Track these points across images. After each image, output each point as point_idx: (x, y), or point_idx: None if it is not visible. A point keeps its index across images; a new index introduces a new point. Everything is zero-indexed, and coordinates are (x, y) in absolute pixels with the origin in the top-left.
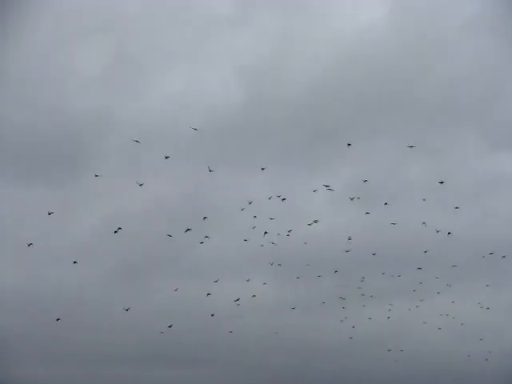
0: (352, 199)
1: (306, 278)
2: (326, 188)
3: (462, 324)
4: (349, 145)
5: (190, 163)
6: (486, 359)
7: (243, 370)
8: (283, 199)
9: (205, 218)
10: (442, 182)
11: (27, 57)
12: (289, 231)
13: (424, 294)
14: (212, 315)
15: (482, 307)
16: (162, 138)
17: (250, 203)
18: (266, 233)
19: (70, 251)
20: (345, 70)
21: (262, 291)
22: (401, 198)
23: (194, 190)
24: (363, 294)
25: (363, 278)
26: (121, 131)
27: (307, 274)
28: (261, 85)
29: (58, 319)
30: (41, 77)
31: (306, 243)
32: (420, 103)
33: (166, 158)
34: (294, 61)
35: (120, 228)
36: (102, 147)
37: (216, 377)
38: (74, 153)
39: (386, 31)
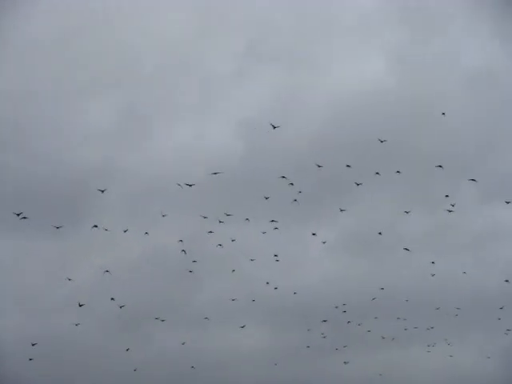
0: None
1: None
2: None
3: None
4: (358, 184)
5: (190, 215)
6: None
7: None
8: (276, 259)
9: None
10: None
11: (33, 103)
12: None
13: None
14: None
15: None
16: (163, 190)
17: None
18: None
19: (70, 301)
20: (345, 122)
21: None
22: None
23: (192, 241)
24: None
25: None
26: (123, 182)
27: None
28: (261, 137)
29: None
30: (45, 126)
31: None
32: (418, 154)
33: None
34: (294, 113)
35: (107, 271)
36: (104, 198)
37: None
38: (74, 202)
39: (386, 83)
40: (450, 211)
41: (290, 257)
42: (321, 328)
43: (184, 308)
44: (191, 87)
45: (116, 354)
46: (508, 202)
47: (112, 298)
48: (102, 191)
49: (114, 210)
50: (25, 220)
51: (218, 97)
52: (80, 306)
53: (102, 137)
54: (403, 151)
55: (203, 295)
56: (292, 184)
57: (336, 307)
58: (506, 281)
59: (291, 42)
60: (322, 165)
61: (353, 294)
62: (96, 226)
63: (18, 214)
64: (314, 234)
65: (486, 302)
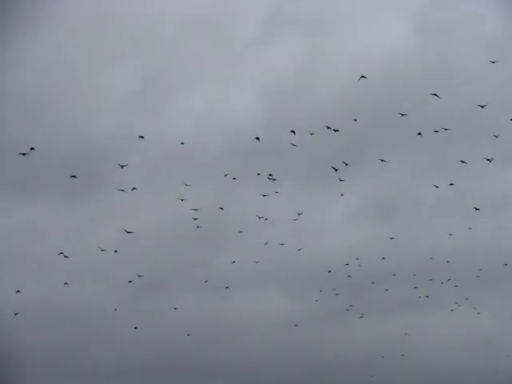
0: None
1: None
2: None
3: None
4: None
5: (212, 180)
6: None
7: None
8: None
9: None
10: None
11: (54, 71)
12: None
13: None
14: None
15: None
16: (185, 156)
17: (265, 219)
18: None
19: (89, 265)
20: (367, 89)
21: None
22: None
23: (215, 205)
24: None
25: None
26: (143, 149)
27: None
28: (284, 104)
29: None
30: (66, 92)
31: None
32: (438, 119)
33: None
34: (316, 78)
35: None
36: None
37: None
38: (96, 168)
39: (407, 46)
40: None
41: (310, 221)
42: (342, 291)
43: (204, 272)
44: (213, 53)
45: (136, 317)
46: None
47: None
48: (122, 166)
49: (135, 176)
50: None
51: (241, 62)
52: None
53: (123, 102)
54: (422, 117)
55: (223, 259)
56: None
57: (359, 265)
58: None
59: (313, 7)
60: (341, 129)
61: (373, 258)
62: (123, 190)
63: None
64: (342, 195)
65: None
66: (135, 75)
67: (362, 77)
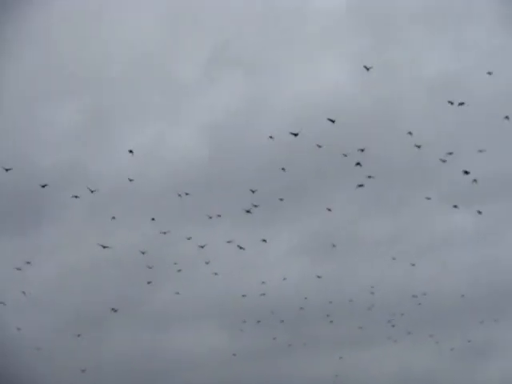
0: None
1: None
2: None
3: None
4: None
5: (153, 215)
6: None
7: None
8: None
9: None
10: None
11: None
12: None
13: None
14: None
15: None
16: (128, 191)
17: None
18: None
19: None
20: (307, 127)
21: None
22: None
23: (154, 241)
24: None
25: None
26: (86, 184)
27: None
28: (227, 142)
29: None
30: (10, 127)
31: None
32: (382, 161)
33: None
34: (257, 118)
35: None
36: (66, 200)
37: None
38: (39, 203)
39: (350, 91)
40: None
41: (251, 256)
42: (280, 329)
43: (141, 308)
44: (156, 91)
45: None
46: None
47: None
48: (76, 197)
49: (77, 210)
50: None
51: (183, 101)
52: None
53: (65, 139)
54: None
55: (162, 296)
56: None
57: (300, 308)
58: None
59: (256, 47)
60: (285, 169)
61: (314, 296)
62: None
63: None
64: (264, 241)
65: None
66: (81, 110)
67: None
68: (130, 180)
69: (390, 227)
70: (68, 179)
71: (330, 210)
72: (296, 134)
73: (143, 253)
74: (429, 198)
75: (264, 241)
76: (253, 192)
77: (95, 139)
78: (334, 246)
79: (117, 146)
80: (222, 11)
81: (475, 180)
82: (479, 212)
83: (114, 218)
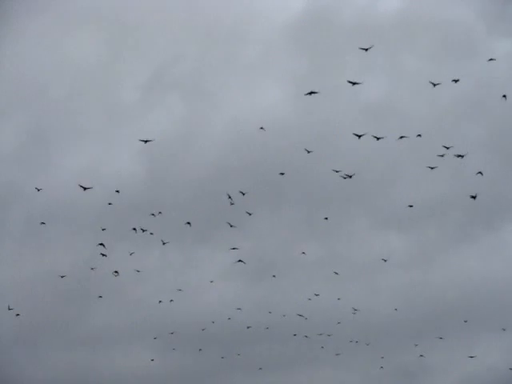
0: None
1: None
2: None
3: None
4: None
5: (90, 236)
6: None
7: None
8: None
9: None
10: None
11: None
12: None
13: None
14: None
15: None
16: (67, 212)
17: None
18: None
19: None
20: (243, 151)
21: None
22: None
23: (93, 263)
24: None
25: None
26: (24, 205)
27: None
28: (164, 164)
29: None
30: None
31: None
32: (319, 180)
33: None
34: (194, 142)
35: None
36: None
37: None
38: None
39: (286, 114)
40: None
41: (185, 277)
42: (214, 350)
43: (74, 328)
44: (96, 113)
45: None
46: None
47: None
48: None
49: (14, 230)
50: None
51: (122, 123)
52: None
53: (2, 159)
54: (299, 182)
55: (97, 316)
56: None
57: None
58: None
59: (194, 71)
60: (219, 192)
61: (248, 317)
62: None
63: None
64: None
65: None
66: (20, 131)
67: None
68: (71, 199)
69: (324, 249)
70: (5, 199)
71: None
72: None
73: (79, 273)
74: (366, 222)
75: (195, 263)
76: (189, 224)
77: (34, 160)
78: (269, 267)
79: (55, 167)
80: (161, 35)
81: (411, 205)
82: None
83: (50, 238)
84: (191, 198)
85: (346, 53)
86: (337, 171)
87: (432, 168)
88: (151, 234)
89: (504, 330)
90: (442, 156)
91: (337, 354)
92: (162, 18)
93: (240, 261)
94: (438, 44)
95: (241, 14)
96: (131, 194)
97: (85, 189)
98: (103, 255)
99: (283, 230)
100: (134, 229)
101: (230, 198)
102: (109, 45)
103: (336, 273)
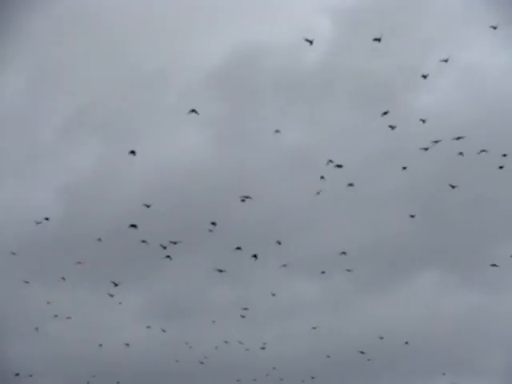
0: None
1: None
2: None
3: None
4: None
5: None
6: None
7: None
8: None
9: None
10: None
11: None
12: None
13: None
14: None
15: None
16: None
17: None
18: None
19: None
20: (161, 193)
21: None
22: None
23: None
24: None
25: None
26: None
27: None
28: (82, 204)
29: None
30: None
31: None
32: (234, 225)
33: None
34: (113, 183)
35: None
36: None
37: None
38: None
39: (203, 157)
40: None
41: (95, 318)
42: None
43: None
44: (14, 152)
45: None
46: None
47: None
48: None
49: None
50: None
51: (40, 163)
52: None
53: None
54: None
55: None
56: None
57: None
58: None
59: (117, 113)
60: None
61: (158, 360)
62: None
63: None
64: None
65: None
66: None
67: None
68: None
69: (238, 294)
70: None
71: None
72: (148, 206)
73: None
74: (284, 265)
75: (111, 296)
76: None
77: None
78: (180, 310)
79: None
80: (85, 75)
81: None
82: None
83: None
84: (108, 239)
85: (267, 99)
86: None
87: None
88: (63, 278)
89: None
90: (359, 201)
91: None
92: (86, 59)
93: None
94: (358, 94)
95: (164, 57)
96: (47, 233)
97: None
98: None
99: (198, 273)
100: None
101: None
102: (30, 83)
103: (243, 316)
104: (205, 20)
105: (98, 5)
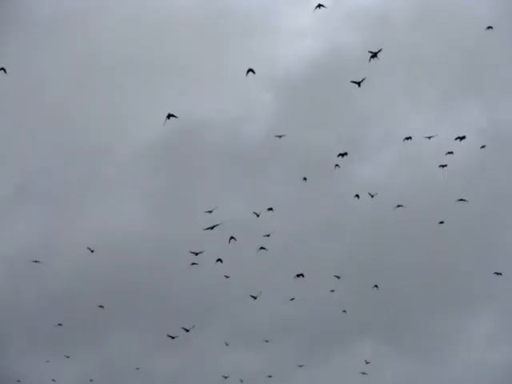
0: None
1: None
2: None
3: None
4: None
5: None
6: None
7: None
8: None
9: None
10: None
11: None
12: None
13: None
14: None
15: None
16: None
17: None
18: None
19: None
20: (101, 263)
21: None
22: None
23: None
24: None
25: None
26: None
27: None
28: (24, 274)
29: None
30: None
31: None
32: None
33: None
34: (54, 254)
35: None
36: None
37: None
38: None
39: (143, 227)
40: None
41: None
42: None
43: None
44: None
45: None
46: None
47: None
48: None
49: None
50: None
51: None
52: None
53: None
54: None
55: None
56: None
57: None
58: None
59: (59, 185)
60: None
61: None
62: None
63: None
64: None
65: None
66: None
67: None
68: None
69: (175, 364)
70: None
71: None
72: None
73: None
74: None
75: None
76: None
77: None
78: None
79: None
80: (29, 147)
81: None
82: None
83: None
84: (48, 310)
85: (207, 172)
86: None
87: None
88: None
89: None
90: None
91: None
92: (33, 132)
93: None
94: (297, 167)
95: (108, 130)
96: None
97: None
98: None
99: (136, 344)
100: None
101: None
102: None
103: None
104: (148, 93)
105: (45, 81)
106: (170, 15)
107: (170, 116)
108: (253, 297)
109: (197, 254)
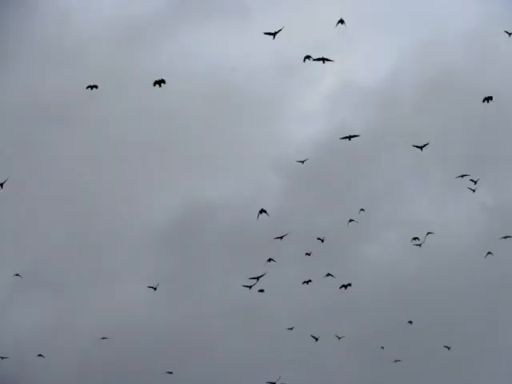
0: None
1: None
2: None
3: None
4: None
5: None
6: None
7: None
8: None
9: None
10: None
11: None
12: None
13: None
14: None
15: None
16: None
17: None
18: None
19: None
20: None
21: None
22: None
23: None
24: None
25: None
26: None
27: None
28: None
29: None
30: None
31: None
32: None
33: None
34: (62, 337)
35: None
36: None
37: None
38: None
39: (145, 313)
40: None
41: None
42: None
43: None
44: None
45: None
46: None
47: None
48: None
49: None
50: None
51: None
52: None
53: None
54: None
55: None
56: None
57: None
58: None
59: (62, 267)
60: None
61: None
62: None
63: None
64: None
65: None
66: None
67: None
68: None
69: None
70: None
71: None
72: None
73: None
74: None
75: None
76: None
77: None
78: None
79: None
80: (38, 235)
81: None
82: None
83: None
84: None
85: (214, 255)
86: None
87: None
88: None
89: None
90: None
91: None
92: (33, 219)
93: None
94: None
95: (114, 213)
96: None
97: None
98: None
99: None
100: None
101: None
102: None
103: None
104: (156, 175)
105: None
106: (178, 104)
107: (157, 83)
108: None
109: None
